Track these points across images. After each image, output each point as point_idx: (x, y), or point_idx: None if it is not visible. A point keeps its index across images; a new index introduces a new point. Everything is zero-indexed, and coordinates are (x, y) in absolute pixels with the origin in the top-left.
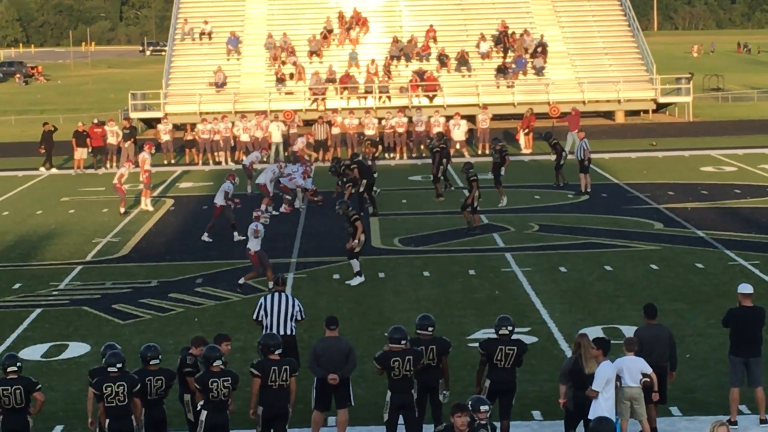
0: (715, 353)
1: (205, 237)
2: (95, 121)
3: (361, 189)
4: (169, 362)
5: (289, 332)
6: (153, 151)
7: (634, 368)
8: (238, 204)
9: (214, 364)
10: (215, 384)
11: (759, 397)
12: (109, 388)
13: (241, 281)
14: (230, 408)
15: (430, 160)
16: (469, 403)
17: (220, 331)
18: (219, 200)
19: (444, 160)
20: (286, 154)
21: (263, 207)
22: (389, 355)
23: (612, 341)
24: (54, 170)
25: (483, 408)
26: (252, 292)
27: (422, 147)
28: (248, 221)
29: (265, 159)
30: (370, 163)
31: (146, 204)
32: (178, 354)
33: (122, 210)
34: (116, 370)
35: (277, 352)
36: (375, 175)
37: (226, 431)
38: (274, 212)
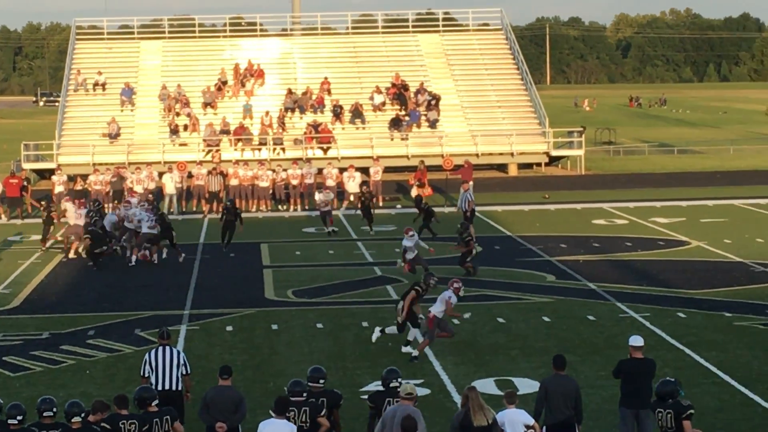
0: (606, 405)
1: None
2: (12, 171)
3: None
4: (60, 416)
5: (175, 387)
6: (83, 208)
7: (517, 421)
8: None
9: (152, 404)
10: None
11: None
12: None
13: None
14: None
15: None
16: None
17: (112, 384)
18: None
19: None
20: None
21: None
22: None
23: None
24: None
25: None
26: (145, 344)
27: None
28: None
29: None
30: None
31: (75, 252)
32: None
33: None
34: (17, 422)
35: (154, 404)
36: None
37: None
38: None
